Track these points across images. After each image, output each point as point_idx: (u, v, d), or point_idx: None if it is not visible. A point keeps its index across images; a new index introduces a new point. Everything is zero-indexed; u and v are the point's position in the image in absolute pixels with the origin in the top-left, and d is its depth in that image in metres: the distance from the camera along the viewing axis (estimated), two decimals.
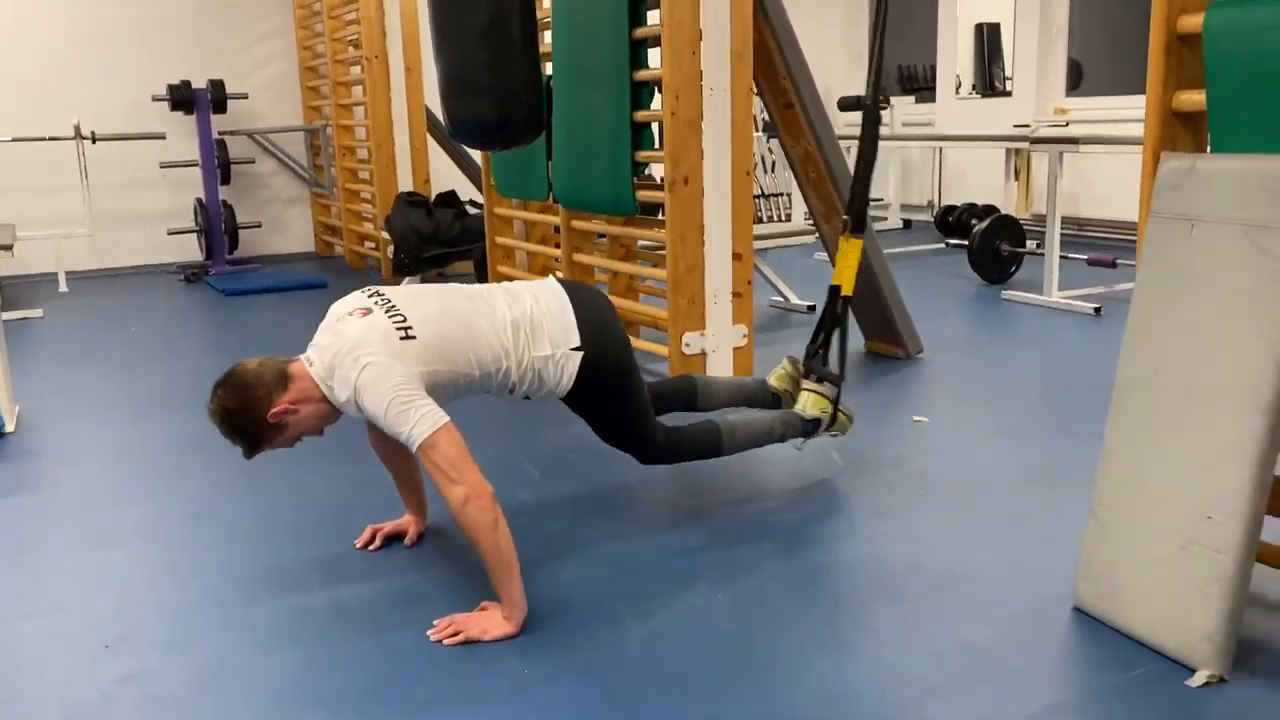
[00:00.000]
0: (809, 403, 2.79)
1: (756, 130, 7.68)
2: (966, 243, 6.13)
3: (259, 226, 7.85)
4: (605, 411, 2.49)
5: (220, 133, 7.37)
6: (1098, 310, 4.98)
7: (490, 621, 2.05)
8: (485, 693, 1.87)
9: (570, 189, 4.21)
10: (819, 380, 2.81)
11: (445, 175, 7.15)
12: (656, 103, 3.73)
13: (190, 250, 7.59)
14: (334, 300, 2.29)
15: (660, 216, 3.89)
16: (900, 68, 9.77)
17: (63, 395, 4.10)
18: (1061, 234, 5.34)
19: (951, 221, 7.74)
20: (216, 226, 7.26)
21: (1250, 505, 1.79)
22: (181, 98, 7.17)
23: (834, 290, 2.84)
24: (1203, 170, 1.90)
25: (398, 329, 2.12)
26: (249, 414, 2.13)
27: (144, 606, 2.28)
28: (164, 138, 7.20)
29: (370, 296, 2.24)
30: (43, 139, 6.77)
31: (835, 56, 9.57)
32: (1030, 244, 6.19)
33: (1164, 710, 1.75)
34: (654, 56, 3.65)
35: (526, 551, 2.20)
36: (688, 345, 3.64)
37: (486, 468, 2.06)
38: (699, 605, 2.19)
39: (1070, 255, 5.47)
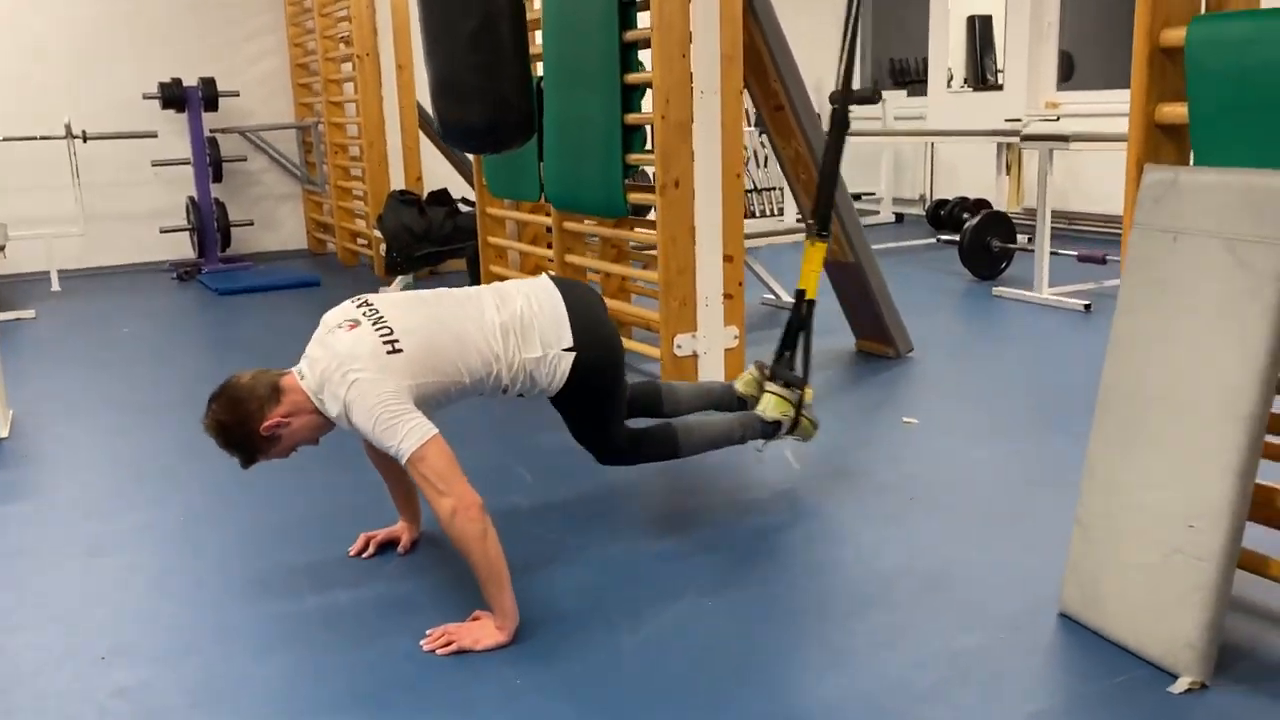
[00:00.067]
0: (770, 405, 2.79)
1: (748, 125, 7.68)
2: (957, 237, 6.16)
3: (251, 224, 7.85)
4: (588, 410, 2.48)
5: (212, 130, 7.35)
6: (1087, 307, 5.01)
7: (482, 631, 2.08)
8: (477, 702, 1.89)
9: (562, 190, 4.22)
10: (785, 384, 2.82)
11: (437, 173, 7.16)
12: (647, 104, 3.74)
13: (183, 248, 7.58)
14: (326, 297, 2.31)
15: (650, 217, 3.91)
16: (892, 60, 9.77)
17: (55, 399, 4.10)
18: (1052, 228, 5.37)
19: (943, 215, 7.79)
20: (209, 224, 7.26)
21: (1232, 513, 1.81)
22: (173, 95, 7.14)
23: (799, 294, 2.86)
24: (1185, 183, 1.92)
25: (385, 342, 2.13)
26: (243, 427, 2.16)
27: (138, 616, 2.30)
28: (155, 136, 7.19)
29: (359, 307, 2.24)
30: (34, 138, 6.77)
31: (826, 54, 9.54)
32: (1021, 239, 6.22)
33: (1147, 717, 1.78)
34: (645, 59, 3.67)
35: (519, 556, 2.22)
36: (679, 347, 3.66)
37: (478, 471, 2.08)
38: (689, 612, 2.21)
39: (1060, 251, 5.49)
